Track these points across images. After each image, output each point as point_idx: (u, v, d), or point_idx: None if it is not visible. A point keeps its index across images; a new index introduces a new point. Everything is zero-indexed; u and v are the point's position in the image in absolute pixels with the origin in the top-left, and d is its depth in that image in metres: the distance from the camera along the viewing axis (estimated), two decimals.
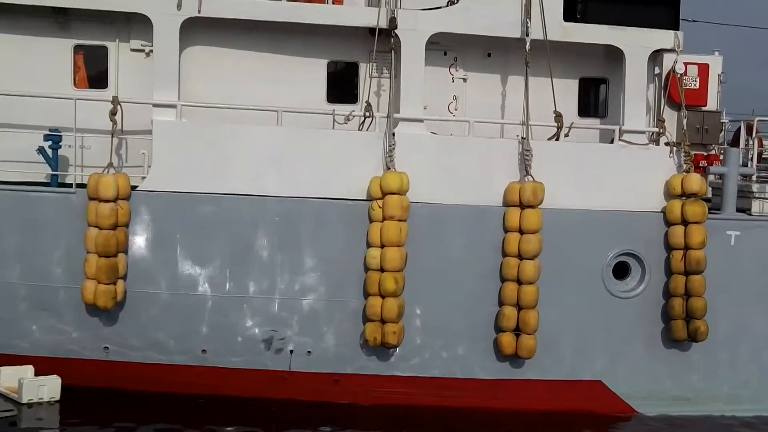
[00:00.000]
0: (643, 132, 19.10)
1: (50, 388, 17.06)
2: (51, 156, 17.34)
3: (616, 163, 18.72)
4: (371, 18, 18.12)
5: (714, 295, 18.64)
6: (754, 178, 20.19)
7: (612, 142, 19.10)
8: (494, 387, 18.62)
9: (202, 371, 17.85)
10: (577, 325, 18.71)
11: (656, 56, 19.53)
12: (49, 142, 17.30)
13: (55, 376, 17.10)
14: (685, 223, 18.45)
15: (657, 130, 19.14)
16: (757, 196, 19.81)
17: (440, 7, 18.90)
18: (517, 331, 18.08)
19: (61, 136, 17.33)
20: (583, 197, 18.46)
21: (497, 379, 18.60)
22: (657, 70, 19.73)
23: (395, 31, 18.00)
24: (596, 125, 20.14)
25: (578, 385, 18.89)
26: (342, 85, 19.31)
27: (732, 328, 19.21)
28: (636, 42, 19.04)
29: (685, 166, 18.76)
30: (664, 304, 18.90)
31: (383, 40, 18.05)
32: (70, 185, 17.42)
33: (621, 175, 18.67)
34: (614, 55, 19.43)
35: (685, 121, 19.05)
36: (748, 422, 19.21)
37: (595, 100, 20.74)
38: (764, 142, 21.61)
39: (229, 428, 16.96)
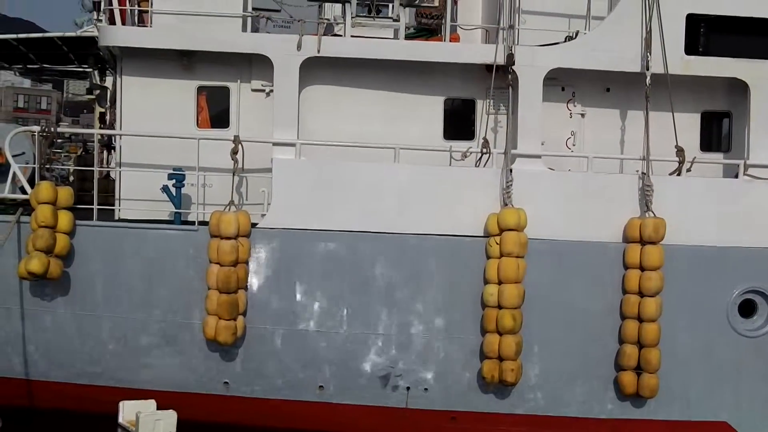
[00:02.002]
0: None
1: (166, 422, 17.28)
2: (174, 194, 17.75)
3: (742, 198, 18.24)
4: (489, 55, 18.13)
5: None
6: None
7: (736, 176, 18.65)
8: (615, 427, 18.23)
9: (320, 407, 17.95)
10: (701, 363, 18.22)
11: None
12: (173, 181, 17.72)
13: (171, 411, 17.36)
14: None
15: None
16: None
17: (558, 43, 18.82)
18: (639, 369, 17.72)
19: (184, 174, 17.73)
20: (707, 233, 18.02)
21: (618, 419, 18.22)
22: None
23: (513, 67, 17.97)
24: (720, 160, 19.68)
25: (703, 426, 18.35)
26: (459, 122, 19.30)
27: None
28: (761, 74, 18.57)
29: None
30: None
31: (501, 77, 18.03)
32: (192, 223, 17.82)
33: (746, 210, 18.18)
34: (738, 88, 18.98)
35: None
36: None
37: (718, 134, 20.26)
38: None
39: None
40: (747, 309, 18.42)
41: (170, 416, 17.33)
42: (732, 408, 18.44)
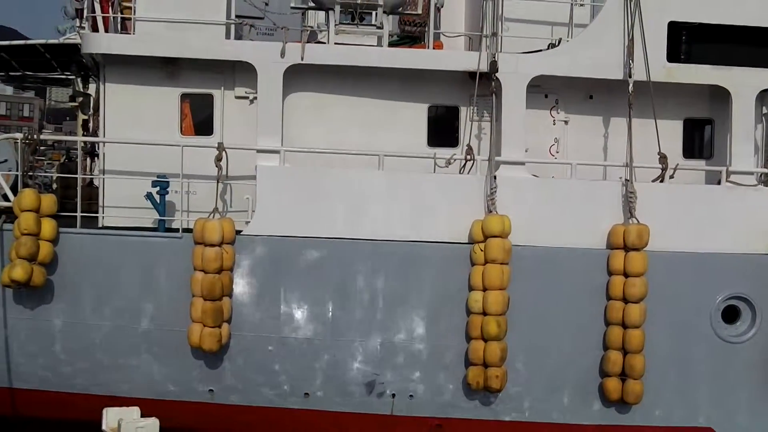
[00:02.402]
0: (751, 173, 18.69)
1: (148, 430, 17.18)
2: (159, 201, 17.70)
3: (724, 205, 18.34)
4: (472, 62, 18.17)
5: None
6: None
7: (719, 183, 18.74)
8: None
9: (305, 414, 17.91)
10: (686, 370, 18.29)
11: (764, 96, 19.18)
12: (157, 188, 17.68)
13: (153, 418, 17.24)
14: None
15: (766, 170, 18.73)
16: None
17: (541, 50, 18.88)
18: (623, 376, 17.77)
19: (168, 182, 17.69)
20: (690, 240, 18.10)
21: (603, 425, 18.25)
22: (765, 110, 19.38)
23: (496, 74, 18.01)
24: (702, 166, 19.78)
25: None
26: (443, 129, 19.33)
27: None
28: (743, 81, 18.68)
29: None
30: None
31: (484, 84, 18.07)
32: (176, 230, 17.78)
33: (729, 216, 18.28)
34: (720, 96, 19.09)
35: None
36: None
37: (700, 141, 20.38)
38: None
39: None
40: (730, 315, 18.50)
41: (153, 424, 17.23)
42: (717, 413, 18.50)
